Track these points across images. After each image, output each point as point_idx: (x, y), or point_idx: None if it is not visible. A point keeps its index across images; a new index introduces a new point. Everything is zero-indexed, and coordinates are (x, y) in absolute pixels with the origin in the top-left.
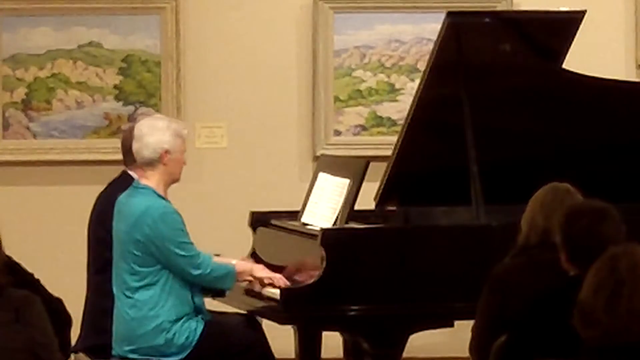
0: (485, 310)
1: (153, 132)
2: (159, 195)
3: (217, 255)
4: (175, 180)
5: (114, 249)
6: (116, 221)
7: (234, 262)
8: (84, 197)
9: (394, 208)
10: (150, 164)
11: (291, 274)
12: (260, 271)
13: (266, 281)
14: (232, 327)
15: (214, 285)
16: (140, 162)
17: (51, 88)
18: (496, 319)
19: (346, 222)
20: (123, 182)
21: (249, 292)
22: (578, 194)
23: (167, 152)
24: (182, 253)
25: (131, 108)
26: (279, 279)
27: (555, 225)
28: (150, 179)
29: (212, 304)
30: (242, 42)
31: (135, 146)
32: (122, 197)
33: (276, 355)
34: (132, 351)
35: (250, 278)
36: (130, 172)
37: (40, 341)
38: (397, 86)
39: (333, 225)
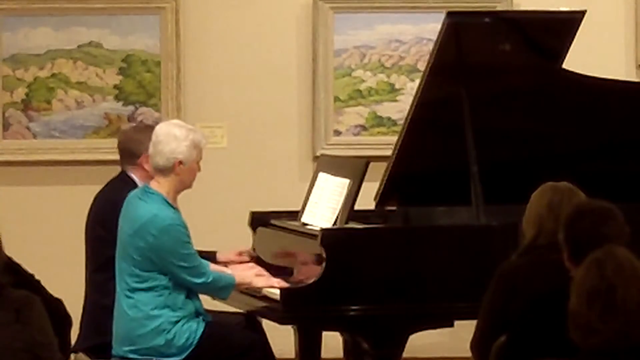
0: (489, 307)
1: (169, 141)
2: (169, 204)
3: (214, 252)
4: (187, 187)
5: (117, 247)
6: (122, 219)
7: (229, 271)
8: (84, 197)
9: (394, 208)
10: (163, 171)
11: (292, 276)
12: (260, 282)
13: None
14: (232, 328)
15: (212, 294)
16: (153, 168)
17: (51, 88)
18: (499, 316)
19: (346, 222)
20: (122, 183)
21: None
22: (580, 192)
23: (180, 162)
24: (184, 265)
25: (131, 108)
26: (278, 283)
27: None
28: (162, 185)
29: (212, 304)
30: (242, 42)
31: (150, 150)
32: (132, 197)
33: (276, 355)
34: (132, 351)
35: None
36: (130, 174)
37: (40, 341)
38: (397, 86)
39: (333, 225)
